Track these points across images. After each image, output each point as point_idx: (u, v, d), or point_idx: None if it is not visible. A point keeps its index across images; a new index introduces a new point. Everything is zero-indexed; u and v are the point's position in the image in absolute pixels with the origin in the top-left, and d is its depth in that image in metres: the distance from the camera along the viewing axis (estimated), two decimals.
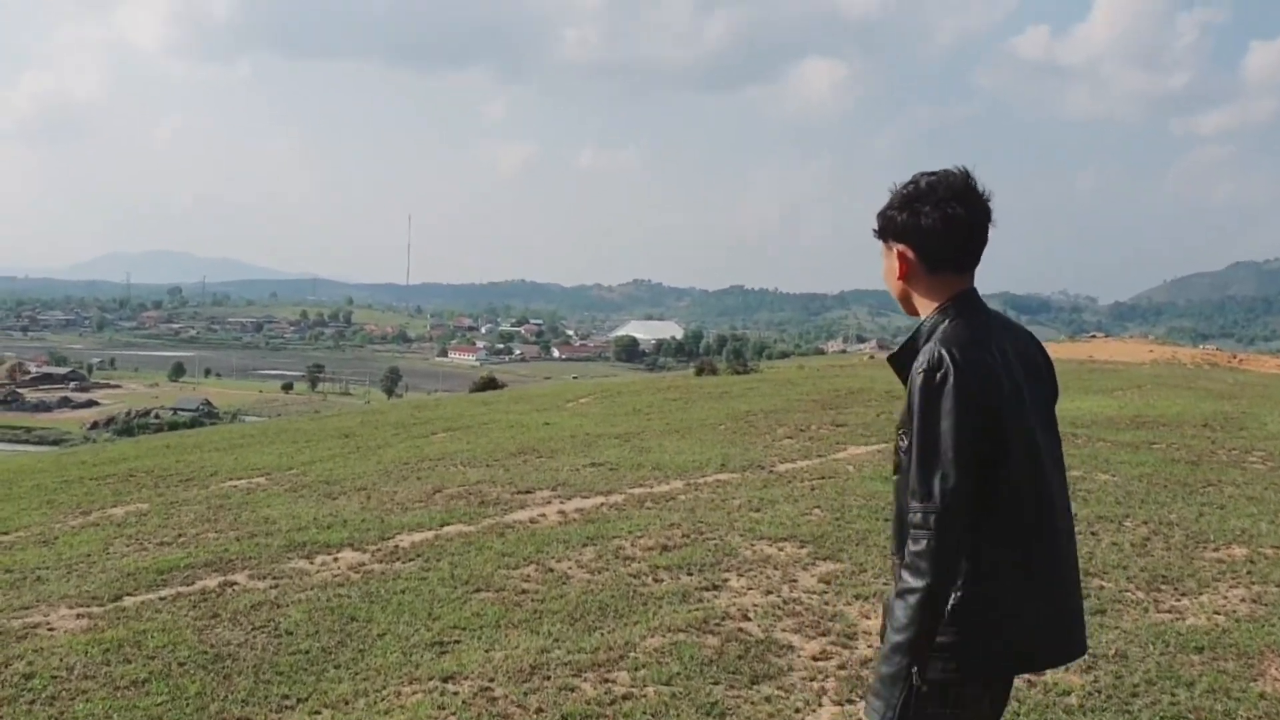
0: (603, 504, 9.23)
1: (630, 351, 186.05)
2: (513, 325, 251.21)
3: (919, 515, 2.30)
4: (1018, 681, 4.38)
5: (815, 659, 5.18)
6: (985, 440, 2.33)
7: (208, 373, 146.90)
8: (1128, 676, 4.84)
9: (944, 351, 2.35)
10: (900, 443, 2.42)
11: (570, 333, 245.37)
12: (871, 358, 36.03)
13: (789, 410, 16.53)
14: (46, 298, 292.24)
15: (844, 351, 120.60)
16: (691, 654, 5.18)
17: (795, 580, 6.55)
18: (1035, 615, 2.41)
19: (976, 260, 2.52)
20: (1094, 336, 51.68)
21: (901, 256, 2.53)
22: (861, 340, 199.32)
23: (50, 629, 5.90)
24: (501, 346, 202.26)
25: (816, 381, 22.56)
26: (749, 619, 5.79)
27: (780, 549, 7.34)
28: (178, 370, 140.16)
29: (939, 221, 2.44)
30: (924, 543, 2.29)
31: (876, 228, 2.57)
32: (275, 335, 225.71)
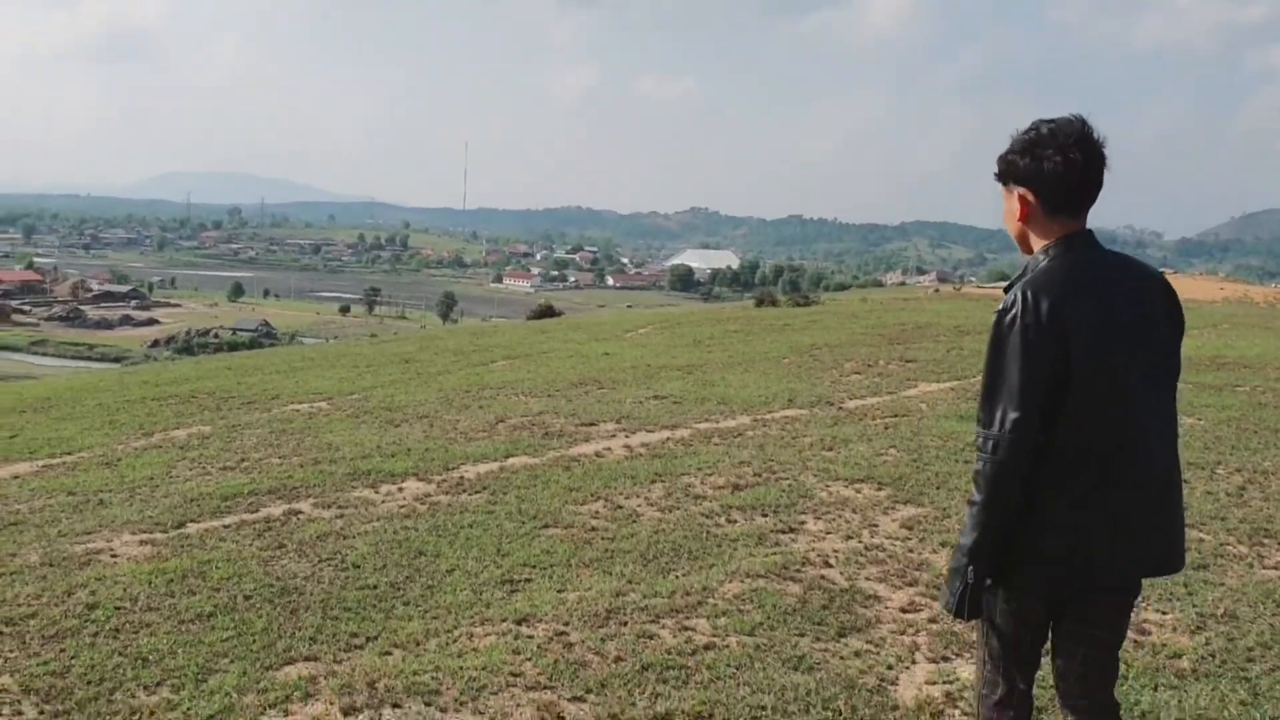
0: (669, 439, 9.05)
1: (685, 281, 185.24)
2: (568, 252, 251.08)
3: (980, 440, 2.62)
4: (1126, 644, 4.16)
5: (904, 611, 4.95)
6: (1051, 376, 2.51)
7: (266, 293, 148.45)
8: (1240, 639, 4.56)
9: (1020, 293, 2.55)
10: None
11: (625, 261, 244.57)
12: (937, 291, 35.34)
13: (854, 345, 16.21)
14: (109, 215, 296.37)
15: (903, 284, 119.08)
16: (774, 602, 4.97)
17: (876, 525, 6.31)
18: (1092, 541, 2.58)
19: (1091, 203, 2.67)
20: (1163, 272, 50.40)
21: (1022, 199, 2.68)
22: (921, 272, 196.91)
23: (114, 555, 5.82)
24: (556, 273, 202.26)
25: (881, 315, 22.17)
26: (830, 565, 5.57)
27: (858, 491, 7.10)
28: (237, 290, 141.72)
29: (1060, 165, 2.60)
30: (982, 464, 2.61)
31: (998, 171, 2.73)
32: (333, 258, 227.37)
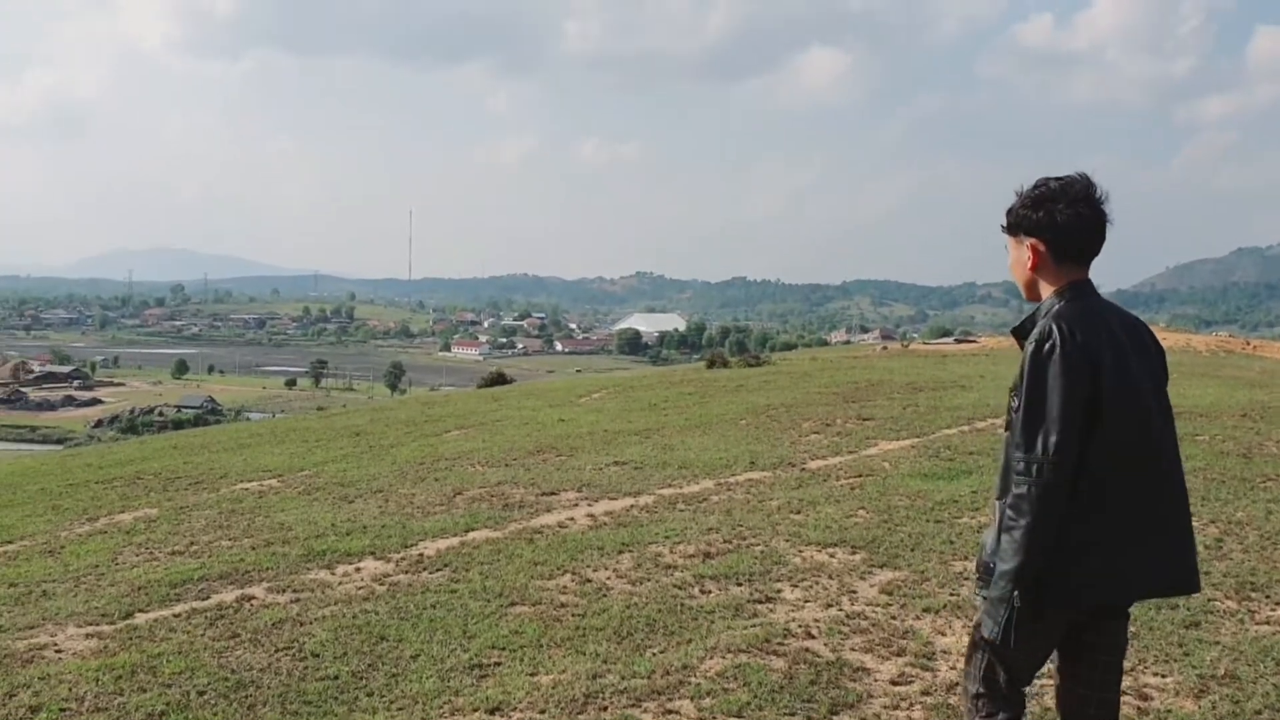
0: (632, 506, 8.84)
1: (633, 344, 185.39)
2: (515, 319, 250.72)
3: (1021, 464, 2.69)
4: (1128, 706, 4.04)
5: (895, 683, 4.73)
6: (1086, 403, 2.69)
7: (211, 369, 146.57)
8: (1245, 701, 4.38)
9: (1054, 326, 2.75)
10: (1012, 402, 2.82)
11: (573, 326, 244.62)
12: (884, 348, 35.47)
13: (810, 404, 16.09)
14: (50, 296, 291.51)
15: (848, 342, 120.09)
16: (759, 679, 4.73)
17: (854, 591, 6.11)
18: (1125, 556, 2.73)
19: (1096, 254, 2.89)
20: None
21: (1034, 249, 2.89)
22: (865, 330, 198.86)
23: (58, 651, 5.48)
24: (504, 340, 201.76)
25: (833, 373, 22.10)
26: (813, 637, 5.35)
27: (831, 555, 6.90)
28: (181, 367, 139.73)
29: (1072, 218, 2.82)
30: (1025, 488, 2.68)
31: (1007, 223, 2.94)
32: (278, 331, 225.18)
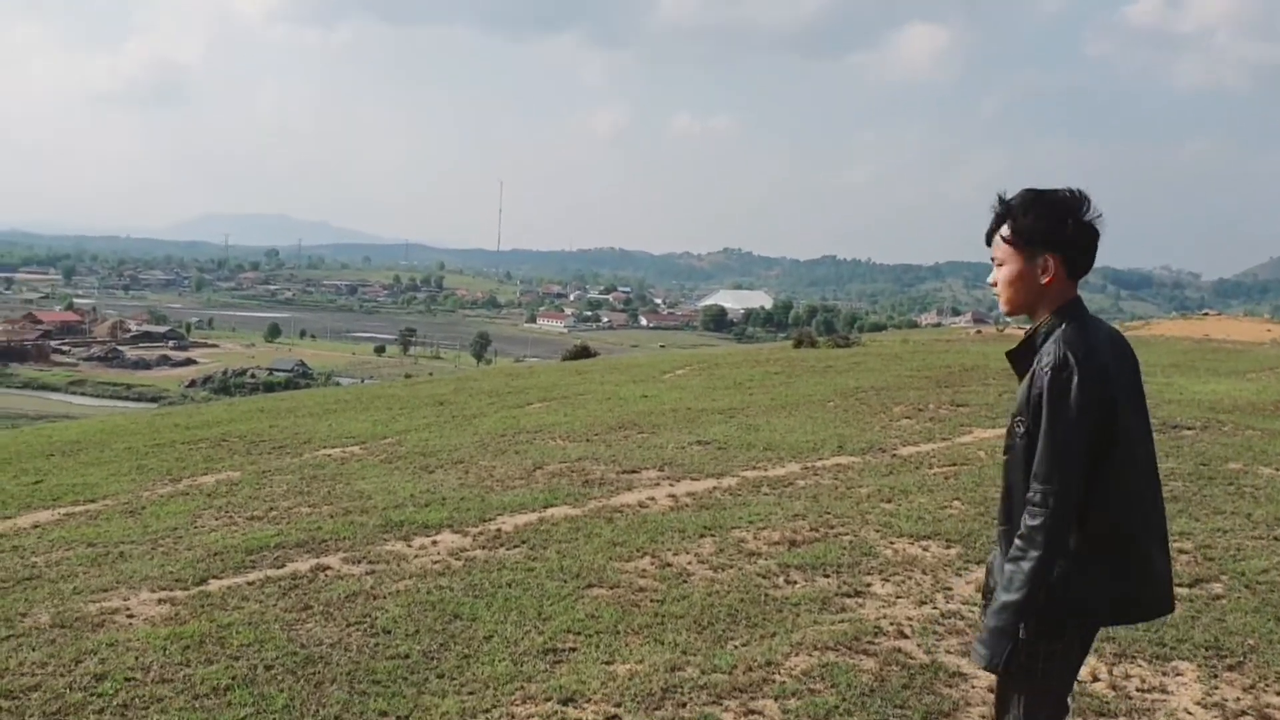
0: (715, 487, 8.63)
1: (718, 321, 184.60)
2: (601, 293, 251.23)
3: (1039, 495, 2.64)
4: None
5: (994, 691, 4.44)
6: (1101, 431, 2.67)
7: (303, 334, 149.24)
8: None
9: (1069, 353, 2.68)
10: (1016, 427, 2.78)
11: (658, 301, 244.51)
12: (979, 332, 34.70)
13: (901, 387, 15.70)
14: (147, 257, 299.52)
15: (939, 325, 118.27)
16: (847, 681, 4.49)
17: (949, 588, 5.82)
18: (1124, 581, 2.74)
19: (1088, 271, 2.85)
20: (1206, 313, 49.57)
21: (1056, 264, 2.80)
22: (956, 313, 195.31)
23: (130, 615, 5.42)
24: (589, 314, 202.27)
25: (925, 356, 21.61)
26: (906, 636, 5.08)
27: (925, 549, 6.61)
28: (273, 331, 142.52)
29: (1088, 234, 2.78)
30: (1040, 519, 2.63)
31: (1012, 233, 2.82)
32: (369, 299, 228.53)
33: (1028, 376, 2.77)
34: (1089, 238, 2.79)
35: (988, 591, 2.85)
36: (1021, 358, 2.87)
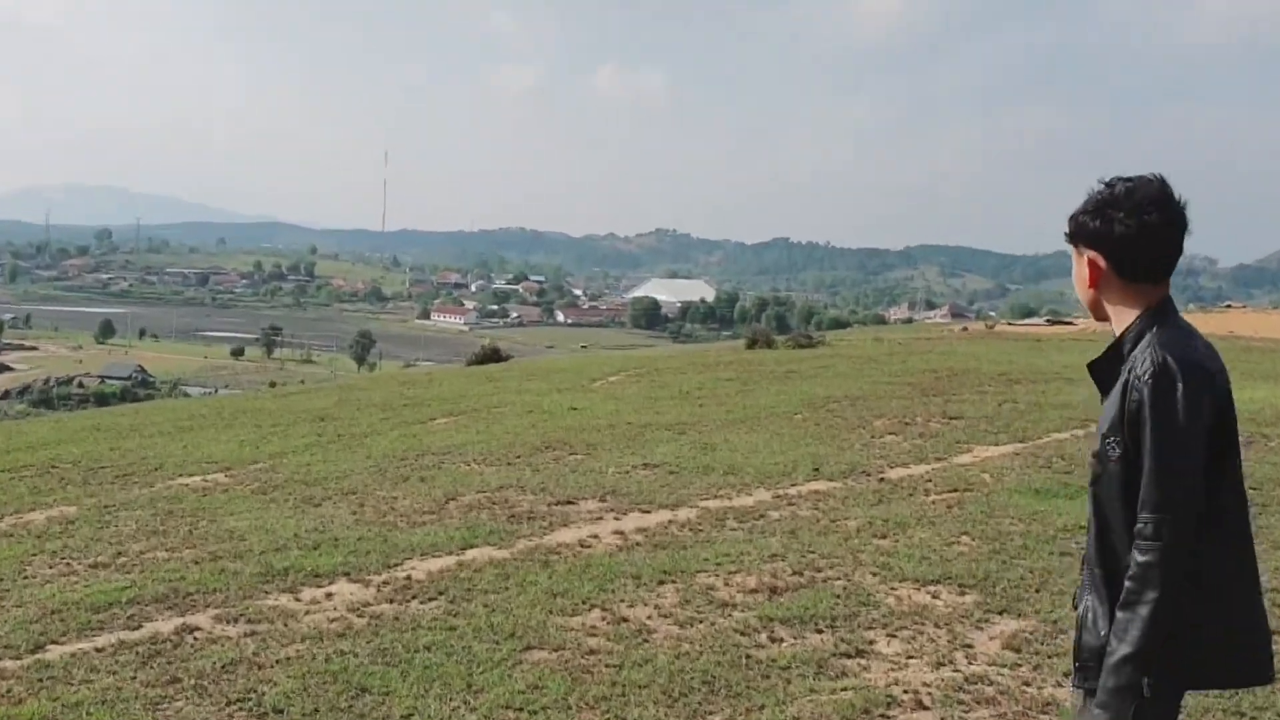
0: (670, 521, 8.53)
1: (650, 316, 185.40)
2: (508, 282, 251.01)
3: (1150, 526, 2.64)
4: None
5: None
6: (1212, 447, 2.70)
7: (142, 333, 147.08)
8: None
9: (1168, 357, 2.71)
10: (1109, 450, 2.78)
11: (578, 292, 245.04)
12: (965, 330, 35.07)
13: (880, 397, 15.76)
14: None
15: (910, 320, 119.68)
16: None
17: (970, 645, 5.74)
18: (1237, 629, 2.77)
19: (1172, 269, 2.87)
20: (1229, 306, 50.69)
21: (1092, 264, 2.89)
22: (932, 306, 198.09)
23: None
24: (495, 308, 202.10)
25: (905, 359, 21.78)
26: (925, 707, 4.97)
27: (934, 596, 6.55)
28: (106, 330, 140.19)
29: (1133, 230, 2.80)
30: (1154, 554, 2.63)
31: (1067, 231, 2.95)
32: (224, 290, 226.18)
33: (1117, 389, 2.79)
34: (1143, 234, 2.81)
35: (1082, 651, 2.84)
36: (1106, 368, 2.90)
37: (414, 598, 6.62)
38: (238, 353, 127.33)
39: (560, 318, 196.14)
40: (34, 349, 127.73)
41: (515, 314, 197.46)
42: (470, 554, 7.61)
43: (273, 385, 54.88)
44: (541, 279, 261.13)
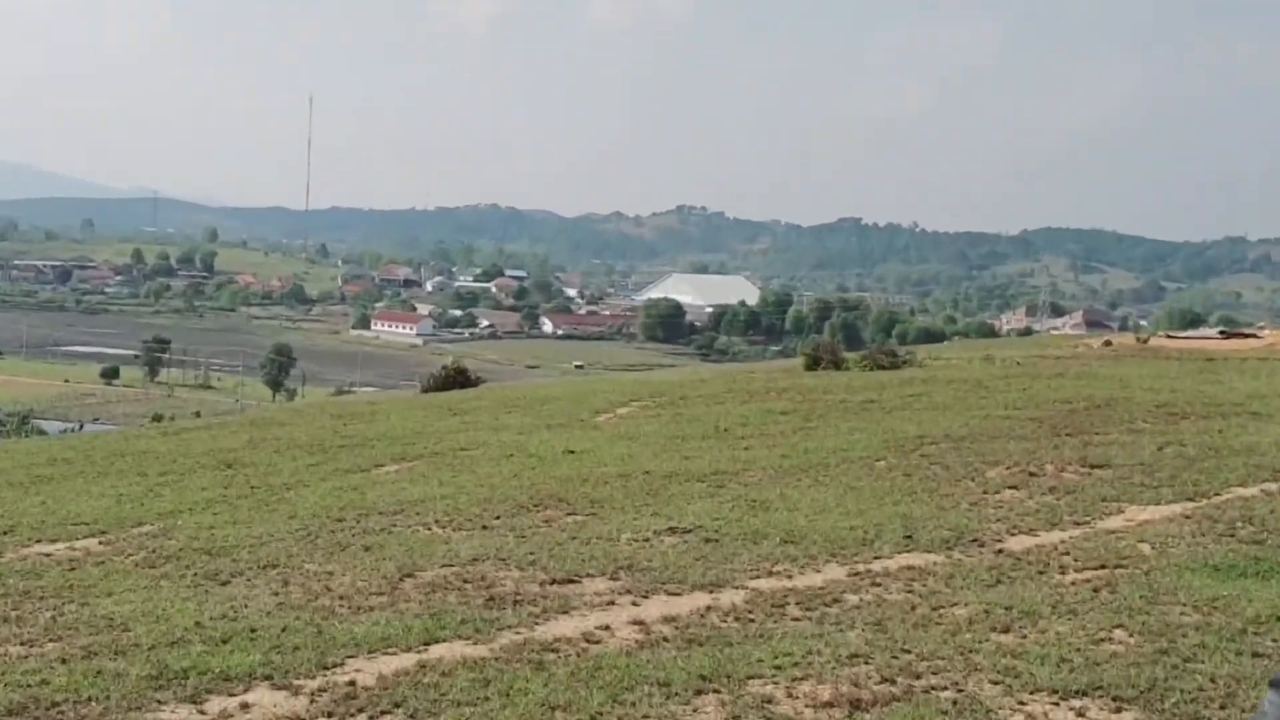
0: (709, 608, 8.52)
1: (671, 325, 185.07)
2: (477, 279, 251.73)
3: None
4: None
5: None
6: None
7: None
8: None
9: None
10: None
11: (571, 292, 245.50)
12: (1108, 344, 34.95)
13: (994, 436, 15.75)
14: None
15: (1030, 331, 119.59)
16: None
17: None
18: None
19: None
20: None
21: None
22: (1059, 311, 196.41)
23: None
24: (459, 313, 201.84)
25: (1027, 385, 21.76)
26: None
27: (1080, 713, 6.51)
28: None
29: None
30: None
31: None
32: (92, 289, 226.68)
33: None
34: None
35: None
36: None
37: (360, 711, 6.61)
38: (110, 374, 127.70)
39: (548, 326, 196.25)
40: None
41: (486, 322, 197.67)
42: (435, 651, 7.61)
43: (159, 419, 55.09)
44: (522, 274, 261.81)
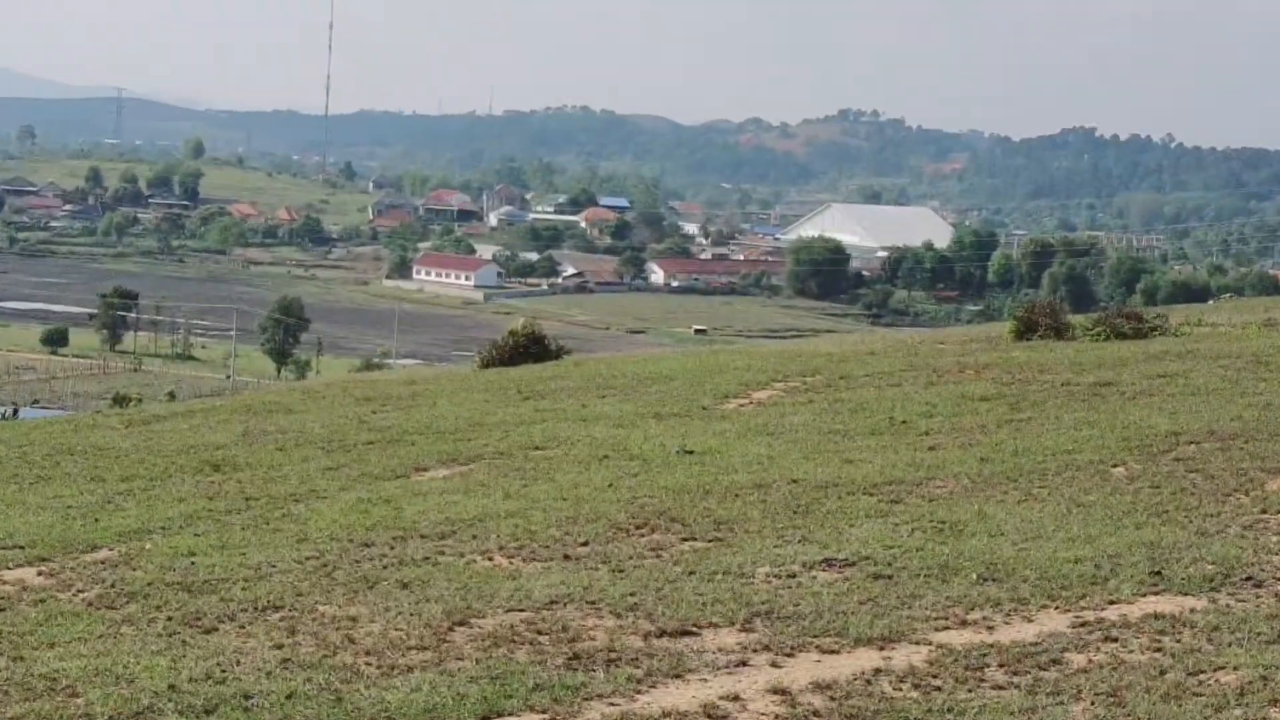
0: (880, 670, 8.52)
1: (829, 275, 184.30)
2: (560, 209, 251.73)
3: None
4: None
5: None
6: None
7: None
8: None
9: None
10: None
11: (691, 229, 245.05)
12: None
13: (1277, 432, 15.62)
14: None
15: None
16: None
17: None
18: None
19: None
20: None
21: None
22: None
23: None
24: (534, 258, 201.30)
25: None
26: None
27: None
28: None
29: None
30: None
31: None
32: (32, 222, 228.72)
33: None
34: None
35: None
36: None
37: None
38: (56, 340, 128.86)
39: (658, 276, 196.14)
40: None
41: (572, 269, 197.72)
42: None
43: (122, 402, 55.51)
44: (623, 203, 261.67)
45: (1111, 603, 9.75)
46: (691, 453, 15.66)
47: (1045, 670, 8.45)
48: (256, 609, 9.91)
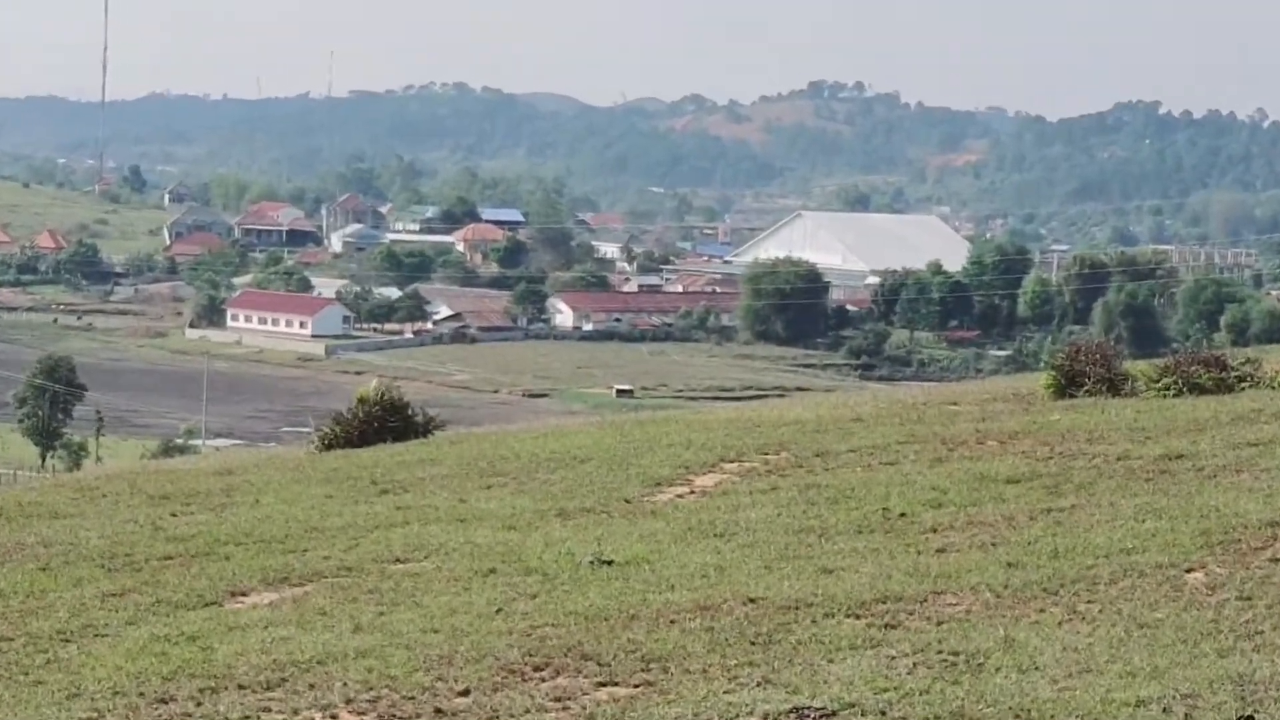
0: None
1: (800, 311, 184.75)
2: (428, 225, 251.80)
3: None
4: None
5: None
6: None
7: None
8: None
9: None
10: None
11: (609, 251, 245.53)
12: None
13: None
14: None
15: None
16: None
17: None
18: None
19: None
20: None
21: None
22: None
23: None
24: (395, 292, 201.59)
25: None
26: None
27: None
28: None
29: None
30: None
31: None
32: None
33: None
34: None
35: None
36: None
37: None
38: None
39: (565, 316, 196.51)
40: None
41: (446, 309, 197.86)
42: None
43: None
44: (516, 216, 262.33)
45: None
46: (610, 563, 15.67)
47: None
48: None
